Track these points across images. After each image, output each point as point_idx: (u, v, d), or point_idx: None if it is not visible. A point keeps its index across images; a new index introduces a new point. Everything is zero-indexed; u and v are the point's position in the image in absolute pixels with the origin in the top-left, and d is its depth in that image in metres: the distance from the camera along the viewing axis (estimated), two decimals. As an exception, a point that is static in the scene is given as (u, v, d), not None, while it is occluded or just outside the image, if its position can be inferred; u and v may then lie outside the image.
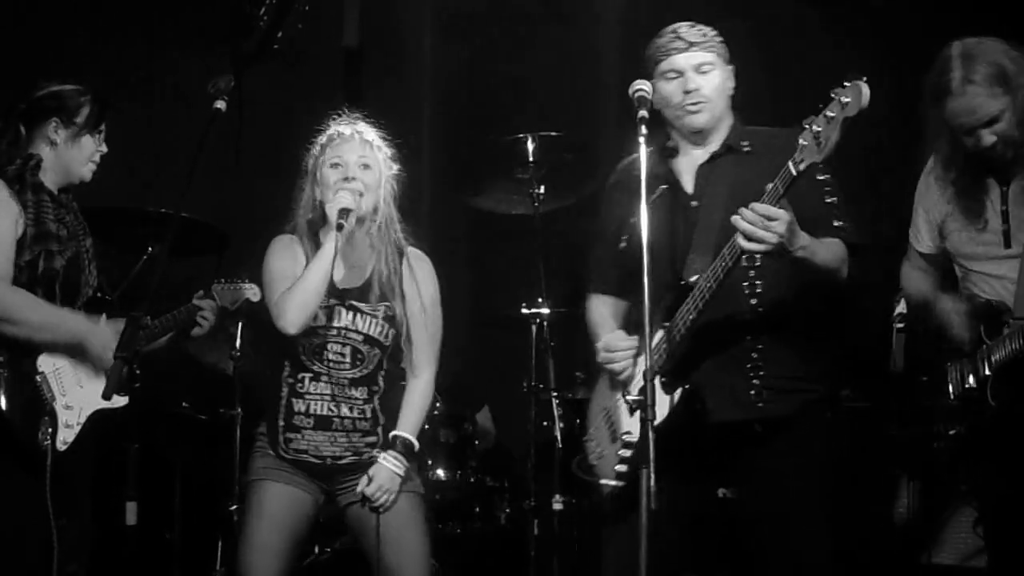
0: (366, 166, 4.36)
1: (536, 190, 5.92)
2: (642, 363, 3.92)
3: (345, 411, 4.33)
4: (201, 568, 5.87)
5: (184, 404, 6.29)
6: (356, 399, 4.35)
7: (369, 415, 4.37)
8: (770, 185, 3.58)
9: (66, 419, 4.27)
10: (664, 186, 4.07)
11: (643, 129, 3.72)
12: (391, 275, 4.39)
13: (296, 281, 4.24)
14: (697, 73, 3.97)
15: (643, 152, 3.69)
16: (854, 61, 3.59)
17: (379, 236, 4.42)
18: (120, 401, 4.33)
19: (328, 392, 4.32)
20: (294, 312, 4.21)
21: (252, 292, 4.84)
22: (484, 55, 7.17)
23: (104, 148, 4.46)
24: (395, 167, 4.48)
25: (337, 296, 4.33)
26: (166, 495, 6.13)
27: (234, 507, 5.58)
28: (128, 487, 5.76)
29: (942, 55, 4.02)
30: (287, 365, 4.36)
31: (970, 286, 4.22)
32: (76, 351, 4.30)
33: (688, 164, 4.04)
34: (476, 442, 6.13)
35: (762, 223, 3.55)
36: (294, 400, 4.33)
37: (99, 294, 4.50)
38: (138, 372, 4.48)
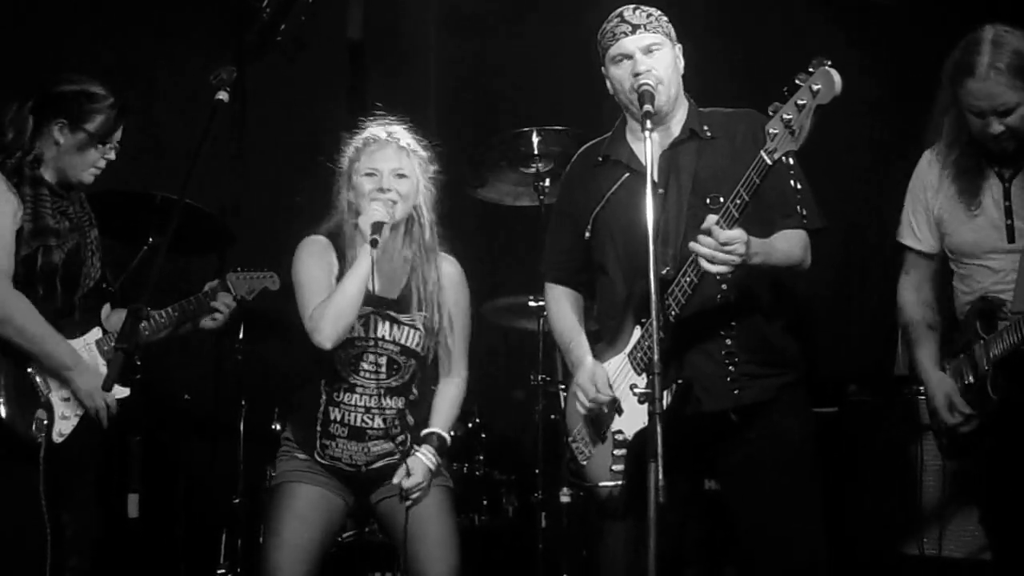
0: (401, 175, 4.32)
1: (541, 183, 5.93)
2: (622, 371, 3.99)
3: (379, 422, 4.33)
4: (204, 562, 5.87)
5: (186, 396, 6.29)
6: (391, 409, 4.35)
7: (399, 422, 4.37)
8: (744, 176, 3.56)
9: (63, 411, 4.26)
10: (627, 174, 4.06)
11: (648, 123, 3.72)
12: (427, 284, 4.39)
13: (331, 295, 4.21)
14: (645, 55, 3.93)
15: (649, 147, 3.68)
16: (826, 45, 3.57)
17: (414, 243, 4.40)
18: (121, 392, 4.33)
19: (363, 404, 4.32)
20: (330, 328, 4.19)
21: (271, 281, 4.79)
22: (489, 48, 7.15)
23: (112, 156, 4.41)
24: (432, 169, 4.45)
25: (374, 305, 4.31)
26: (169, 488, 6.13)
27: (238, 500, 5.58)
28: (130, 479, 5.75)
29: (973, 36, 4.02)
30: (325, 373, 4.35)
31: (963, 281, 4.21)
32: (60, 378, 4.26)
33: (648, 148, 3.97)
34: None
35: (722, 249, 3.57)
36: (331, 408, 4.33)
37: (104, 285, 4.49)
38: (139, 364, 4.46)
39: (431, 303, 4.39)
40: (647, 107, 3.77)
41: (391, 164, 4.31)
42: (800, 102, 3.43)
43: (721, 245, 3.57)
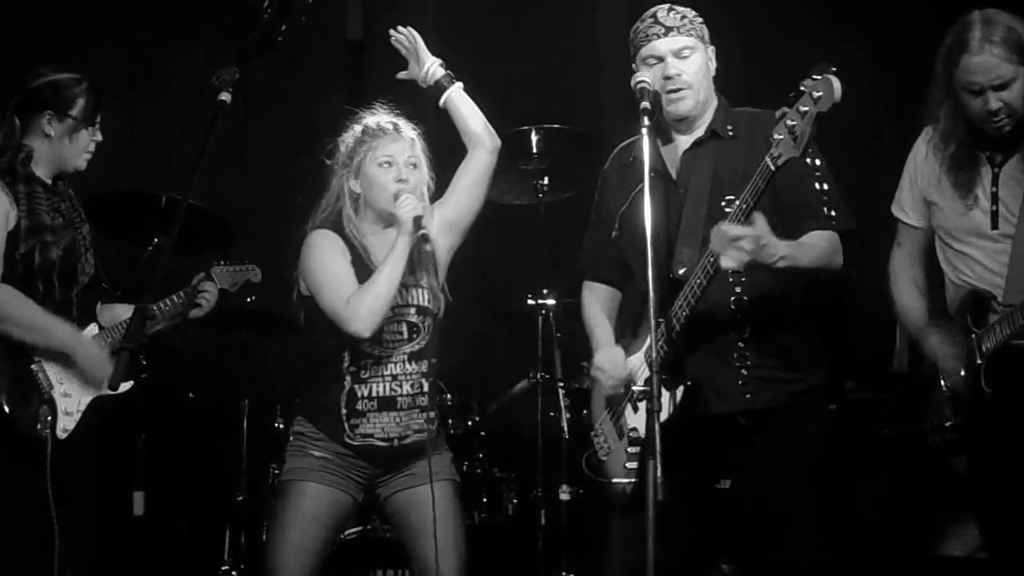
0: (414, 165, 4.33)
1: (540, 181, 5.94)
2: (639, 369, 3.99)
3: (407, 388, 4.29)
4: (208, 558, 5.89)
5: (190, 394, 6.31)
6: (415, 373, 4.31)
7: (428, 389, 4.33)
8: (751, 181, 3.58)
9: (65, 407, 4.26)
10: (652, 173, 4.08)
11: (645, 120, 3.72)
12: (421, 255, 4.33)
13: (368, 284, 4.19)
14: (677, 58, 3.93)
15: (646, 144, 3.69)
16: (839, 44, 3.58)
17: None
18: (123, 387, 4.31)
19: (389, 372, 4.29)
20: (369, 316, 4.15)
21: (253, 273, 4.84)
22: (487, 46, 7.17)
23: (99, 137, 4.43)
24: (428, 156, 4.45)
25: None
26: (173, 485, 6.15)
27: (241, 497, 5.59)
28: (135, 477, 5.77)
29: (962, 20, 4.03)
30: (346, 357, 4.30)
31: (950, 267, 4.24)
32: (62, 359, 4.27)
33: (674, 150, 4.00)
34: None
35: (728, 244, 3.57)
36: (357, 387, 4.28)
37: (99, 280, 4.49)
38: (144, 363, 4.48)
39: (427, 267, 4.36)
40: (644, 104, 3.76)
41: (406, 154, 4.33)
42: (803, 108, 3.44)
43: (726, 238, 3.57)
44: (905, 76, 5.93)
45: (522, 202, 6.18)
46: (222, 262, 4.80)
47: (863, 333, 6.37)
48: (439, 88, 4.47)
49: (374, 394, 4.28)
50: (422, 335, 4.34)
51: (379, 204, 4.31)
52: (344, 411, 4.28)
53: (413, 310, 4.33)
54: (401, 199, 4.23)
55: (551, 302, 5.85)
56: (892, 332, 4.87)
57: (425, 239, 4.19)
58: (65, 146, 4.36)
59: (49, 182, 4.38)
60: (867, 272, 6.30)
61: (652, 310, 3.52)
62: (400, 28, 4.51)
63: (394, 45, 4.50)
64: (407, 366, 4.31)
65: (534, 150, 5.89)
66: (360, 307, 4.16)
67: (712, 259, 3.69)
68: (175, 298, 4.59)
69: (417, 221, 4.18)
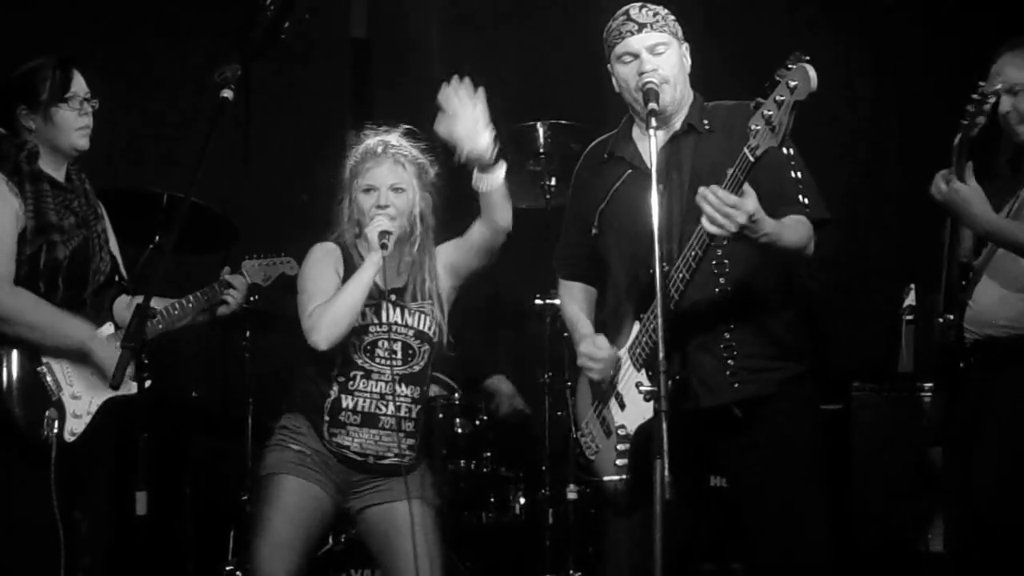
0: (399, 189, 4.33)
1: (547, 182, 5.96)
2: (623, 365, 3.98)
3: (392, 409, 4.29)
4: (212, 559, 5.89)
5: (194, 394, 6.30)
6: (405, 397, 4.31)
7: (415, 415, 4.34)
8: (729, 171, 3.54)
9: (74, 409, 4.25)
10: (630, 170, 4.05)
11: (653, 122, 3.72)
12: (428, 282, 4.37)
13: (333, 297, 4.22)
14: (652, 54, 3.91)
15: (653, 144, 3.68)
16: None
17: (414, 248, 4.40)
18: (131, 388, 4.28)
19: (377, 391, 4.30)
20: (327, 329, 4.17)
21: (289, 266, 4.78)
22: (493, 44, 7.16)
23: (89, 109, 4.36)
24: (431, 173, 4.43)
25: (381, 295, 4.30)
26: (177, 485, 6.14)
27: (245, 497, 5.58)
28: (138, 477, 5.75)
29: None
30: (337, 362, 4.31)
31: None
32: (77, 356, 4.26)
33: (652, 145, 3.89)
34: (496, 409, 6.12)
35: (724, 210, 3.52)
36: (343, 396, 4.29)
37: (116, 277, 4.48)
38: (147, 362, 4.45)
39: (432, 296, 4.38)
40: (652, 105, 3.77)
41: (388, 180, 4.33)
42: (779, 98, 3.40)
43: (723, 204, 3.50)
44: (909, 77, 5.93)
45: (529, 205, 6.18)
46: (254, 256, 4.76)
47: (869, 334, 6.37)
48: (486, 168, 4.18)
49: (359, 408, 4.28)
50: (417, 359, 4.34)
51: (363, 228, 4.33)
52: (327, 418, 4.28)
53: (412, 332, 4.34)
54: (373, 220, 4.26)
55: (559, 302, 5.84)
56: (897, 332, 4.87)
57: (383, 247, 4.18)
58: (50, 132, 4.30)
59: (61, 178, 4.35)
60: (873, 273, 6.31)
61: (660, 310, 3.52)
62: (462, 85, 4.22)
63: (441, 98, 4.16)
64: (397, 387, 4.30)
65: (541, 149, 5.91)
66: (320, 320, 4.18)
67: (694, 253, 3.67)
68: (200, 294, 4.55)
69: (382, 235, 4.19)
